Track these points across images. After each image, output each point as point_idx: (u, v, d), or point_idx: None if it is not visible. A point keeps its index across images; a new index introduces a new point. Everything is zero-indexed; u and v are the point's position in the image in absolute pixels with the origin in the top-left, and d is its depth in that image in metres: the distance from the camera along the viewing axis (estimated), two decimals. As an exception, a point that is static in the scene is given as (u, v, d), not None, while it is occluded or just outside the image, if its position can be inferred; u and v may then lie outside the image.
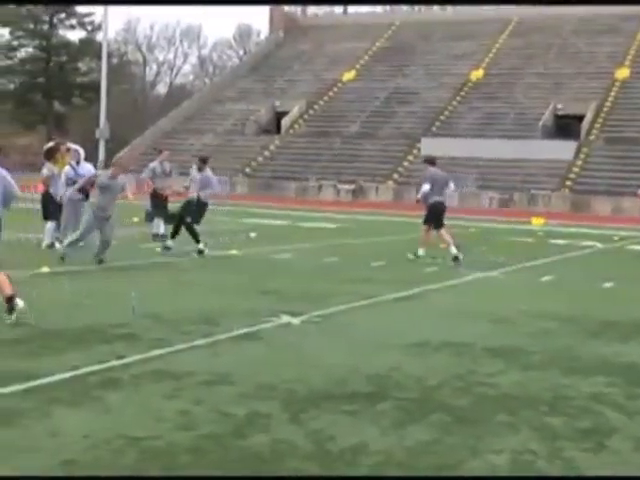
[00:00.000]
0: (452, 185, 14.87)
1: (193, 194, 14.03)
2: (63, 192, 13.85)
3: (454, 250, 13.89)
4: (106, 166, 46.83)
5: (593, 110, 44.52)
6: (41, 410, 4.89)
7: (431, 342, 7.26)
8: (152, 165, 16.35)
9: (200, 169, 14.19)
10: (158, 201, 15.90)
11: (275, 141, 48.75)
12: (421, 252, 14.24)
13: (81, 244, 12.88)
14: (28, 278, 10.44)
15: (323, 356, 6.60)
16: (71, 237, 12.40)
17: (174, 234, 14.10)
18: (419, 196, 14.60)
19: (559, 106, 45.72)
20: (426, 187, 14.27)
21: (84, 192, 14.01)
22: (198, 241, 13.80)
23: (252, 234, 17.95)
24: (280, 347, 6.96)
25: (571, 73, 48.93)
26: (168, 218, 15.30)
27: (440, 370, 6.27)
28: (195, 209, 13.96)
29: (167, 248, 14.03)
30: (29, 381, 5.49)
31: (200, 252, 13.70)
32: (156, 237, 15.55)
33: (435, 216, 14.26)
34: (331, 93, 52.95)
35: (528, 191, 39.09)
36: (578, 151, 41.75)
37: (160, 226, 15.71)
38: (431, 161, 15.01)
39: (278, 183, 43.31)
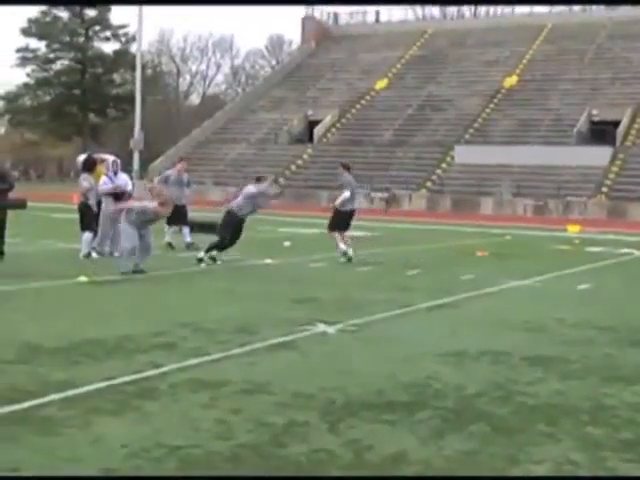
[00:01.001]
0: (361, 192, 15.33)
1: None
2: (94, 202, 14.07)
3: (343, 247, 14.47)
4: (141, 177, 47.26)
5: (629, 116, 44.08)
6: (80, 419, 4.92)
7: (468, 351, 7.20)
8: (167, 172, 16.74)
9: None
10: (173, 209, 16.21)
11: (308, 150, 48.86)
12: (350, 251, 14.56)
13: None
14: (66, 287, 10.55)
15: (360, 365, 6.58)
16: (120, 256, 12.15)
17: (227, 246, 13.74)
18: (338, 203, 14.96)
19: (594, 112, 45.31)
20: (347, 194, 14.82)
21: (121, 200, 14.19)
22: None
23: (286, 243, 17.97)
24: (317, 356, 6.94)
25: (606, 79, 48.50)
26: (196, 227, 15.54)
27: (478, 379, 6.21)
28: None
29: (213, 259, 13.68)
30: (68, 390, 5.53)
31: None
32: (189, 246, 15.74)
33: (347, 222, 14.81)
34: (364, 102, 52.97)
35: (563, 198, 38.76)
36: (614, 157, 41.33)
37: (187, 235, 16.03)
38: (347, 167, 15.44)
39: (311, 192, 43.38)
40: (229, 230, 13.47)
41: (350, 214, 14.98)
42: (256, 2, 51.24)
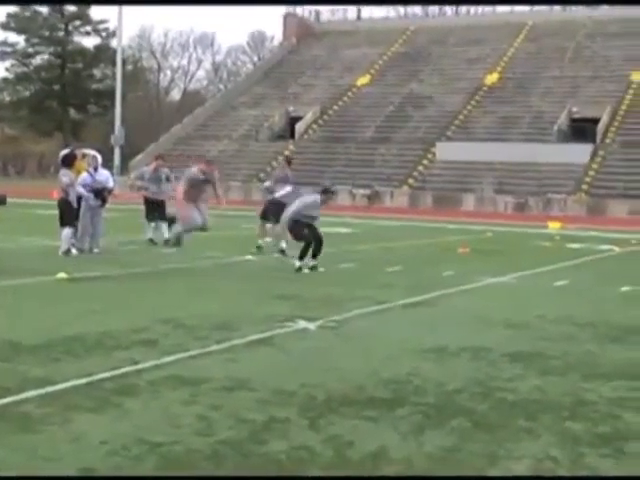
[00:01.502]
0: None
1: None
2: (74, 198, 13.98)
3: (261, 242, 15.51)
4: (121, 173, 47.05)
5: (609, 113, 44.35)
6: (60, 416, 4.88)
7: (449, 347, 7.22)
8: (144, 169, 16.78)
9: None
10: (150, 206, 16.32)
11: (289, 146, 48.81)
12: (260, 243, 15.46)
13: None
14: (46, 284, 10.48)
15: (340, 361, 6.58)
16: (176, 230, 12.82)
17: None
18: (280, 195, 15.20)
19: (574, 109, 45.56)
20: (289, 188, 15.20)
21: (102, 199, 14.15)
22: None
23: (268, 239, 17.92)
24: (297, 352, 6.94)
25: (586, 76, 48.78)
26: (170, 220, 15.67)
27: (459, 375, 6.23)
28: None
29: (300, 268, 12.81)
30: (47, 387, 5.49)
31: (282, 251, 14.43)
32: (167, 242, 15.69)
33: (277, 215, 14.93)
34: (345, 98, 52.97)
35: (544, 195, 38.94)
36: (594, 154, 41.58)
37: (165, 231, 15.97)
38: (289, 161, 16.57)
39: (293, 188, 43.31)
40: (301, 230, 12.76)
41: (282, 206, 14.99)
42: (237, 2, 51.29)
